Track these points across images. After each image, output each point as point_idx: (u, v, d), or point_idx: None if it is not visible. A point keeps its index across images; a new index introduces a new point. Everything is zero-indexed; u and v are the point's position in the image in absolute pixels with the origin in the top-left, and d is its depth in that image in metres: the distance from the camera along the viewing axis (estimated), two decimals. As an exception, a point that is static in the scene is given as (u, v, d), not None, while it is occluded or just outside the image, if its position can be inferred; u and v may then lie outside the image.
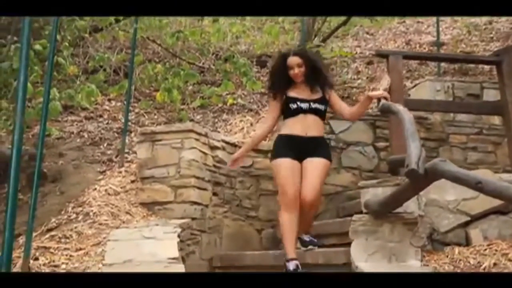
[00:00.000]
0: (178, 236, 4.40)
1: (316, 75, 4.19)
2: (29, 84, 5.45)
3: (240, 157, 4.43)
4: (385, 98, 4.03)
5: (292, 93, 4.19)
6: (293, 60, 4.17)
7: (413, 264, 4.17)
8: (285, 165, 4.05)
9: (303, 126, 4.10)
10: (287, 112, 4.18)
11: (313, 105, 4.13)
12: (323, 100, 4.22)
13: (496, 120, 6.42)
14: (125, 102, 6.34)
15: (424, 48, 9.33)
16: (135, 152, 5.60)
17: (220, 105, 7.43)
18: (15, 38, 6.05)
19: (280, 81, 4.22)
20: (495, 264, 3.90)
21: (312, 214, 4.31)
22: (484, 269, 3.87)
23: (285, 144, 4.11)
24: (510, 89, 5.66)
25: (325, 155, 4.15)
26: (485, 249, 4.17)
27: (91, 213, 4.72)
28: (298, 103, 4.11)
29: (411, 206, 4.38)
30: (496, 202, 4.36)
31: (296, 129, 4.11)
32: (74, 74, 7.14)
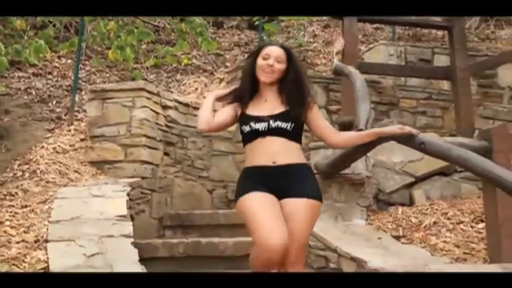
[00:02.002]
0: (128, 194, 4.37)
1: (295, 85, 2.88)
2: (-28, 38, 5.26)
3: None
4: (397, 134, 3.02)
5: (248, 109, 2.89)
6: (276, 49, 2.90)
7: (358, 223, 4.30)
8: (259, 200, 2.70)
9: (266, 152, 2.79)
10: (242, 137, 2.92)
11: (274, 124, 2.81)
12: (288, 116, 2.84)
13: (445, 85, 6.57)
14: (75, 59, 6.17)
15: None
16: (85, 111, 5.49)
17: (174, 65, 7.33)
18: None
19: (245, 81, 2.94)
20: (435, 222, 4.06)
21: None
22: (424, 227, 4.02)
23: (252, 179, 2.80)
24: (460, 54, 5.79)
25: (308, 192, 2.75)
26: (427, 209, 4.33)
27: (38, 171, 4.63)
28: (252, 123, 2.81)
29: (359, 167, 4.48)
30: (440, 164, 4.51)
31: (258, 158, 2.81)
32: (22, 28, 6.89)
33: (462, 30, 6.02)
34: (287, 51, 2.92)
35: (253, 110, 2.87)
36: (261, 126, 2.80)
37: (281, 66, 2.86)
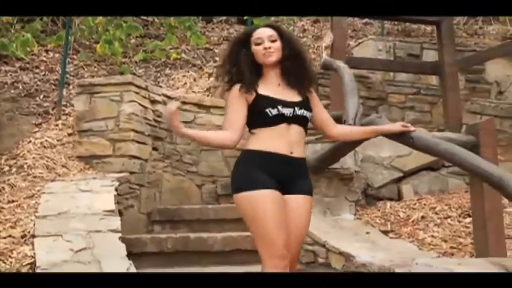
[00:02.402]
0: (116, 189, 4.35)
1: (296, 61, 2.71)
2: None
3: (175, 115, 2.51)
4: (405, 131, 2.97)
5: (264, 90, 2.66)
6: (265, 31, 2.71)
7: (347, 218, 4.31)
8: (271, 202, 2.52)
9: (287, 141, 2.61)
10: (259, 119, 2.64)
11: (299, 111, 2.65)
12: (308, 104, 2.72)
13: (434, 80, 6.59)
14: (63, 53, 6.12)
15: (370, 9, 9.38)
16: (73, 105, 5.45)
17: (163, 59, 7.29)
18: None
19: (247, 66, 2.68)
20: (423, 217, 4.08)
21: None
22: (412, 222, 4.04)
23: (263, 167, 2.58)
24: (448, 49, 5.80)
25: (309, 190, 2.68)
26: (415, 203, 4.36)
27: (25, 166, 4.60)
28: (280, 107, 2.61)
29: (347, 162, 4.49)
30: (428, 159, 4.54)
31: (277, 146, 2.60)
32: (8, 22, 6.81)
33: (450, 25, 6.03)
34: (275, 27, 2.75)
35: (271, 91, 2.65)
36: (287, 111, 2.62)
37: (278, 44, 2.67)
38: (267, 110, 2.59)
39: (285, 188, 2.58)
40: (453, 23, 6.33)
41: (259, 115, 2.61)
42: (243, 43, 2.71)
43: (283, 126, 2.60)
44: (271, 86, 2.67)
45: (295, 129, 2.62)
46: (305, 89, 2.72)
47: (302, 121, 2.65)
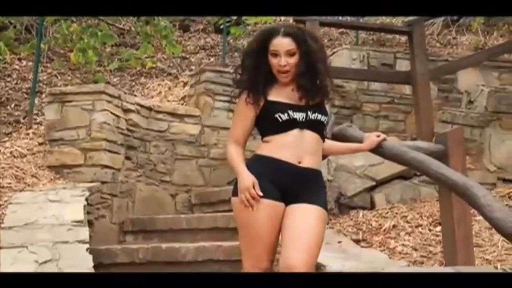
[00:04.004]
0: (86, 199, 4.30)
1: (311, 76, 2.54)
2: None
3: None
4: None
5: (275, 96, 2.55)
6: (283, 43, 2.52)
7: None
8: (265, 211, 2.43)
9: (296, 149, 2.48)
10: (270, 126, 2.53)
11: (312, 115, 2.52)
12: (324, 108, 2.61)
13: (407, 89, 6.65)
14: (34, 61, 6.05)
15: (346, 18, 9.45)
16: (44, 114, 5.38)
17: (138, 68, 7.25)
18: None
19: (260, 74, 2.56)
20: (394, 226, 4.10)
21: None
22: (384, 230, 4.06)
23: (265, 174, 2.46)
24: (420, 59, 5.86)
25: (321, 202, 2.52)
26: (387, 212, 4.37)
27: (-7, 176, 4.51)
28: (291, 111, 2.50)
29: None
30: (400, 168, 4.56)
31: (284, 153, 2.48)
32: (-20, 30, 6.73)
33: (422, 35, 6.09)
34: (294, 36, 2.52)
35: (280, 96, 2.54)
36: (299, 116, 2.50)
37: (294, 59, 2.52)
38: (276, 115, 2.49)
39: (289, 198, 2.46)
40: (425, 33, 6.40)
41: (270, 121, 2.51)
42: (262, 46, 2.56)
43: (295, 132, 2.49)
44: (283, 91, 2.56)
45: (309, 135, 2.50)
46: (321, 95, 2.58)
47: (316, 126, 2.53)
